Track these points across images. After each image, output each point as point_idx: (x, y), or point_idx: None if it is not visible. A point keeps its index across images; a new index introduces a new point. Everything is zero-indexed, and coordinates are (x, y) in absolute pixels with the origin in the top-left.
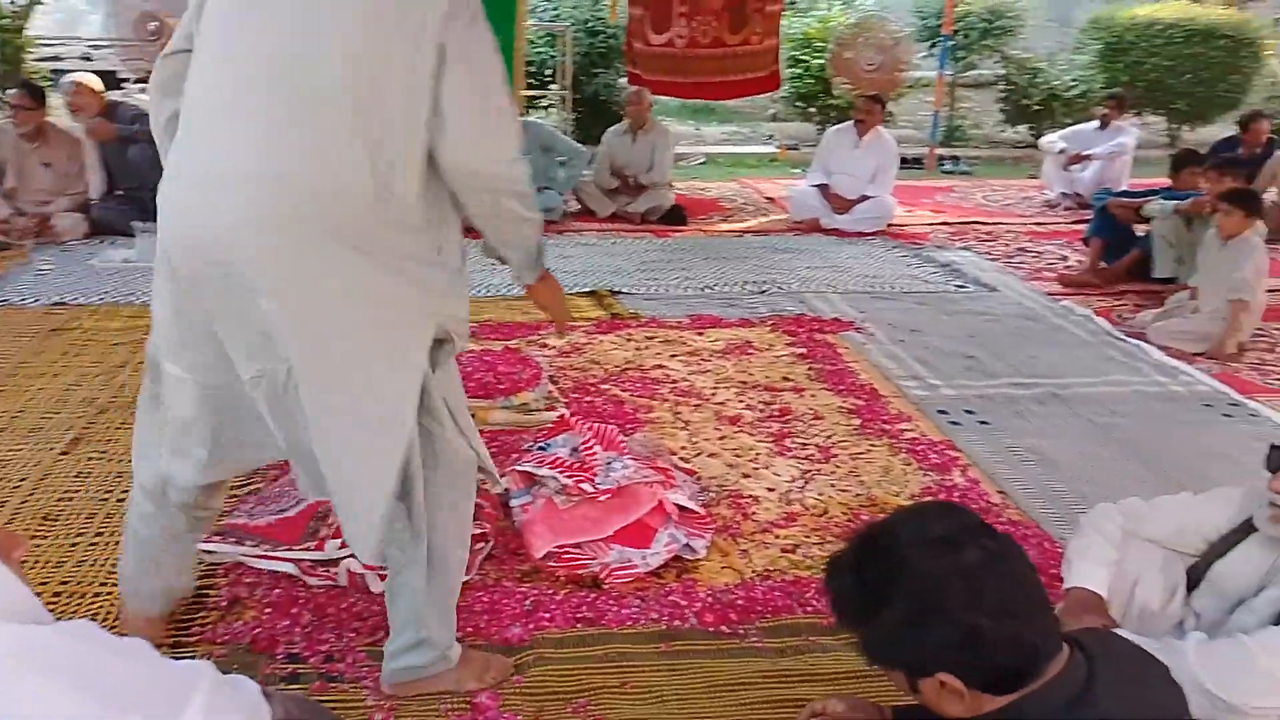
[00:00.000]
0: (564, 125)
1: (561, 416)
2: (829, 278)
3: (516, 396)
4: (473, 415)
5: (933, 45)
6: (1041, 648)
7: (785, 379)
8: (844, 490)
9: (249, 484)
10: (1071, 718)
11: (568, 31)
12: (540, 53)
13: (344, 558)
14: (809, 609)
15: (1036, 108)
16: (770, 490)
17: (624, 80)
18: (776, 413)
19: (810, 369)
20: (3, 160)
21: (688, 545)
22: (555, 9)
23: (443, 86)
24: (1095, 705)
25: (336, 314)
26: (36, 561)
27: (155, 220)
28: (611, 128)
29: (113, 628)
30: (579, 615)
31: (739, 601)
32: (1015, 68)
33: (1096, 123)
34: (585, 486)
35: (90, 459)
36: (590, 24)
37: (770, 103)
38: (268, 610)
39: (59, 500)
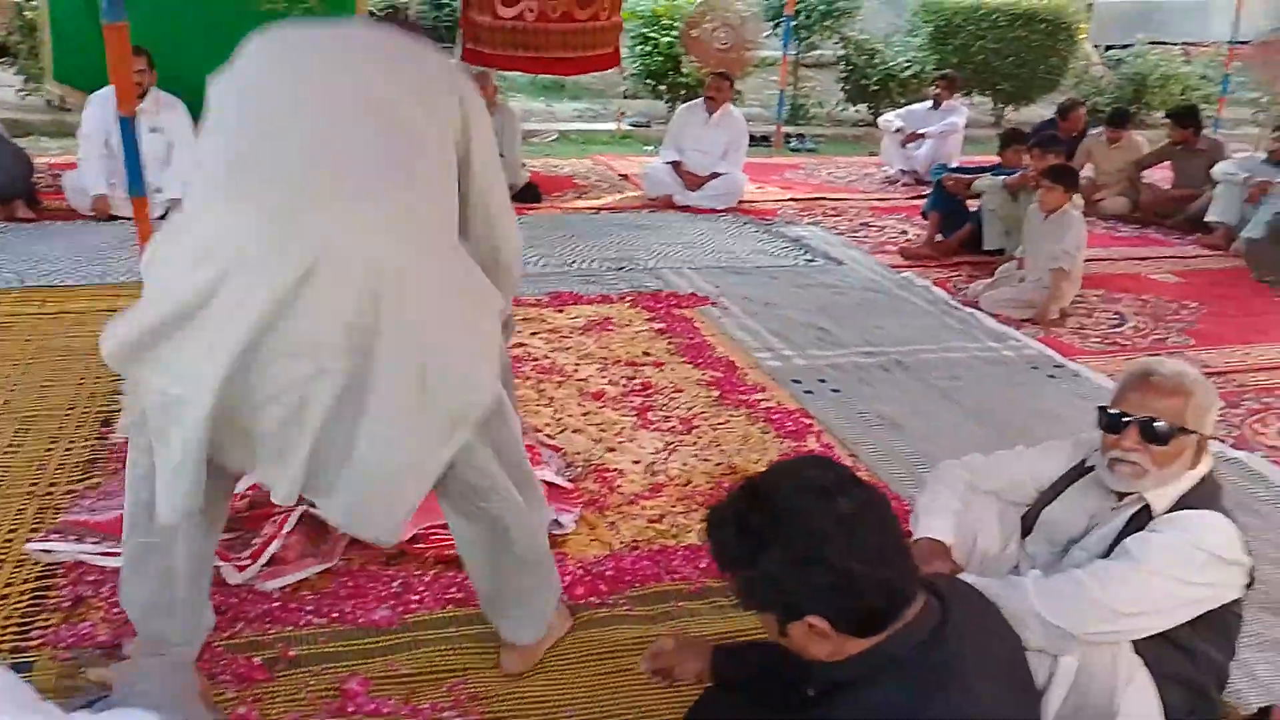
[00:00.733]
0: None
1: None
2: (684, 254)
3: None
4: None
5: (776, 25)
6: (903, 592)
7: (646, 354)
8: (706, 460)
9: (89, 478)
10: (926, 656)
11: (411, 4)
12: None
13: None
14: (676, 576)
15: (875, 88)
16: (635, 463)
17: None
18: (639, 387)
19: (670, 343)
20: None
21: (556, 520)
22: None
23: (472, 130)
24: (947, 644)
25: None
26: None
27: None
28: None
29: None
30: (449, 596)
31: (608, 572)
32: (854, 49)
33: (930, 103)
34: None
35: None
36: None
37: (621, 80)
38: (115, 609)
39: None
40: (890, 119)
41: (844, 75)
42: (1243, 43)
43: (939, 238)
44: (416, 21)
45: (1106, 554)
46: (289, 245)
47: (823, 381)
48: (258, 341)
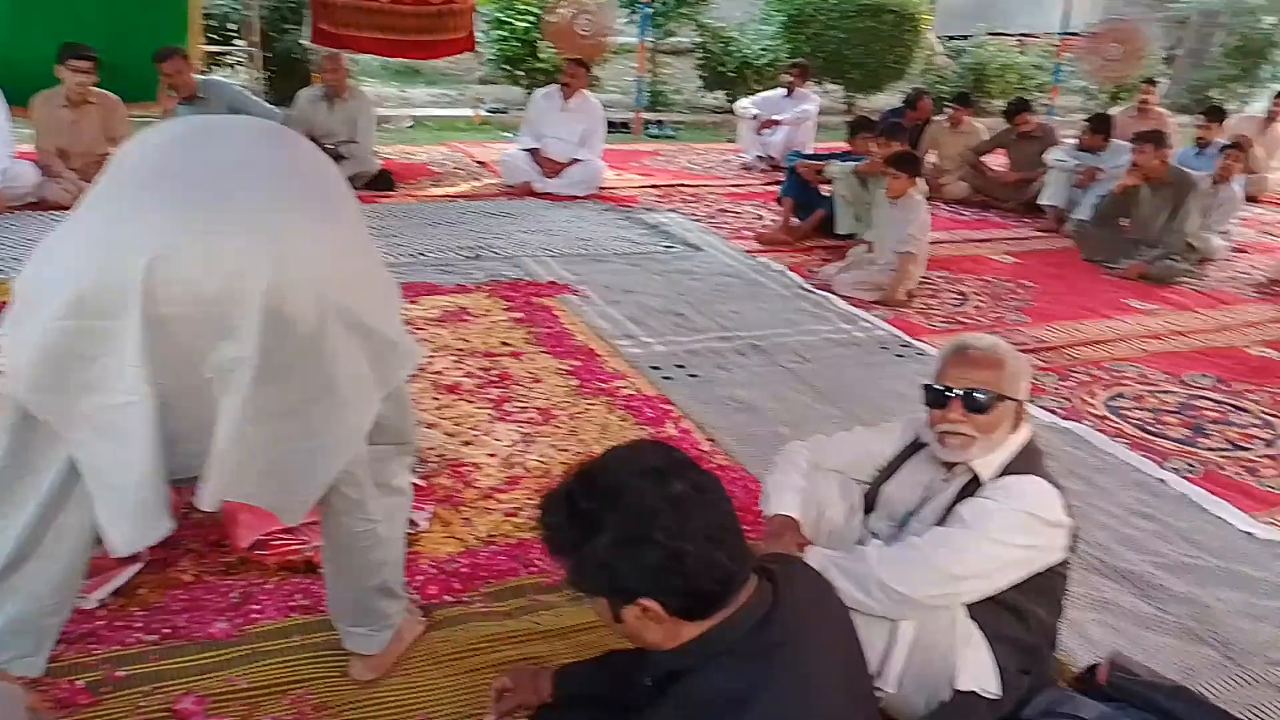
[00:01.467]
0: (254, 85)
1: None
2: (544, 241)
3: None
4: None
5: (633, 12)
6: (736, 575)
7: (504, 344)
8: (564, 450)
9: None
10: (758, 640)
11: None
12: (221, 5)
13: None
14: (534, 569)
15: (731, 75)
16: (491, 456)
17: None
18: (496, 378)
19: (528, 333)
20: None
21: (409, 520)
22: None
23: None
24: (779, 626)
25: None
26: None
27: None
28: (304, 92)
29: None
30: (293, 603)
31: (463, 570)
32: (710, 36)
33: (784, 90)
34: None
35: None
36: None
37: (477, 65)
38: None
39: None
40: (746, 106)
41: (701, 62)
42: (1073, 34)
43: (794, 222)
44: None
45: (940, 523)
46: (210, 252)
47: (681, 367)
48: (180, 339)
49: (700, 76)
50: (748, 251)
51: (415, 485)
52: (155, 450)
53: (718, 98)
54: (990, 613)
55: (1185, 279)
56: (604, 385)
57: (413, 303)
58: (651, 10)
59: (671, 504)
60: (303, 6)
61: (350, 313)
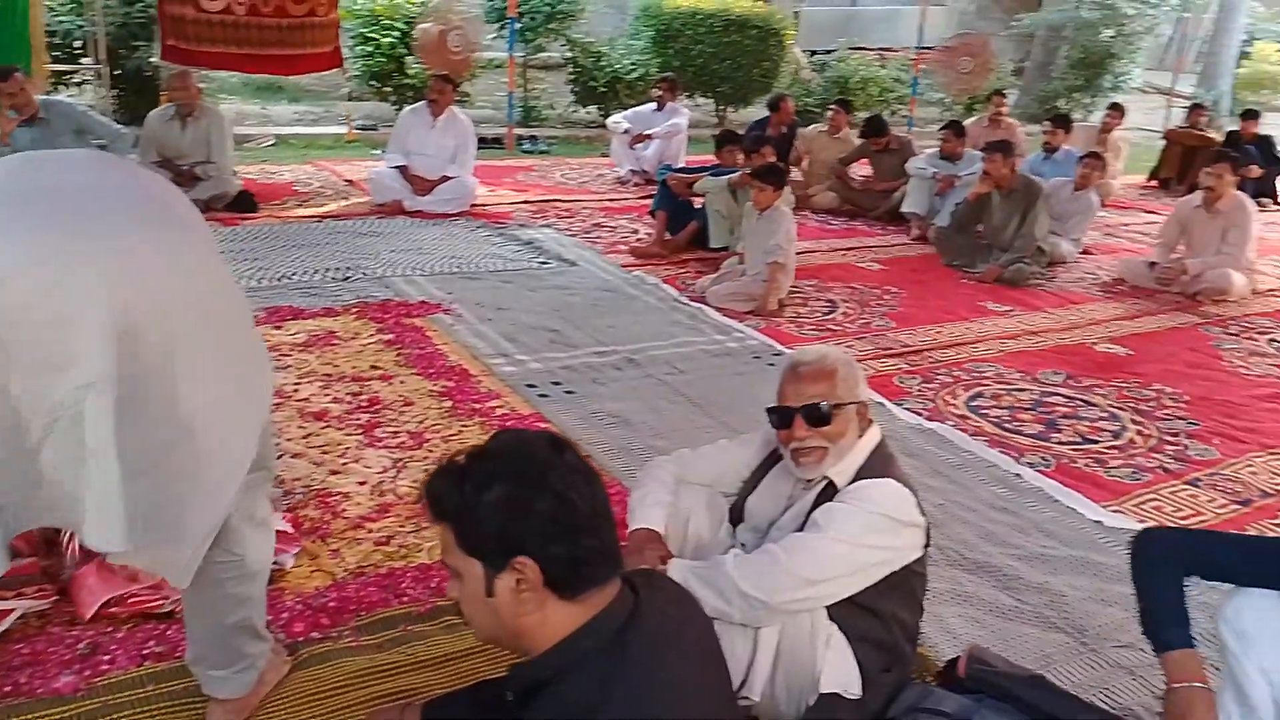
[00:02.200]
0: (102, 105)
1: None
2: (414, 260)
3: None
4: None
5: (502, 27)
6: (611, 560)
7: (373, 367)
8: None
9: None
10: (619, 646)
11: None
12: (65, 21)
13: None
14: (405, 598)
15: (603, 89)
16: (361, 484)
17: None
18: (365, 403)
19: (399, 354)
20: None
21: (275, 561)
22: None
23: None
24: (640, 632)
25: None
26: None
27: None
28: (154, 112)
29: None
30: (147, 651)
31: (331, 604)
32: (580, 51)
33: (654, 104)
34: None
35: None
36: None
37: (344, 81)
38: None
39: None
40: (618, 120)
41: (573, 77)
42: (928, 49)
43: (667, 236)
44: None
45: (800, 530)
46: (49, 275)
47: (557, 384)
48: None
49: (572, 92)
50: (623, 266)
51: (284, 521)
52: None
53: (590, 112)
54: (850, 614)
55: (1037, 281)
56: (478, 406)
57: (277, 328)
58: (520, 25)
59: (563, 464)
60: (152, 22)
61: (202, 335)
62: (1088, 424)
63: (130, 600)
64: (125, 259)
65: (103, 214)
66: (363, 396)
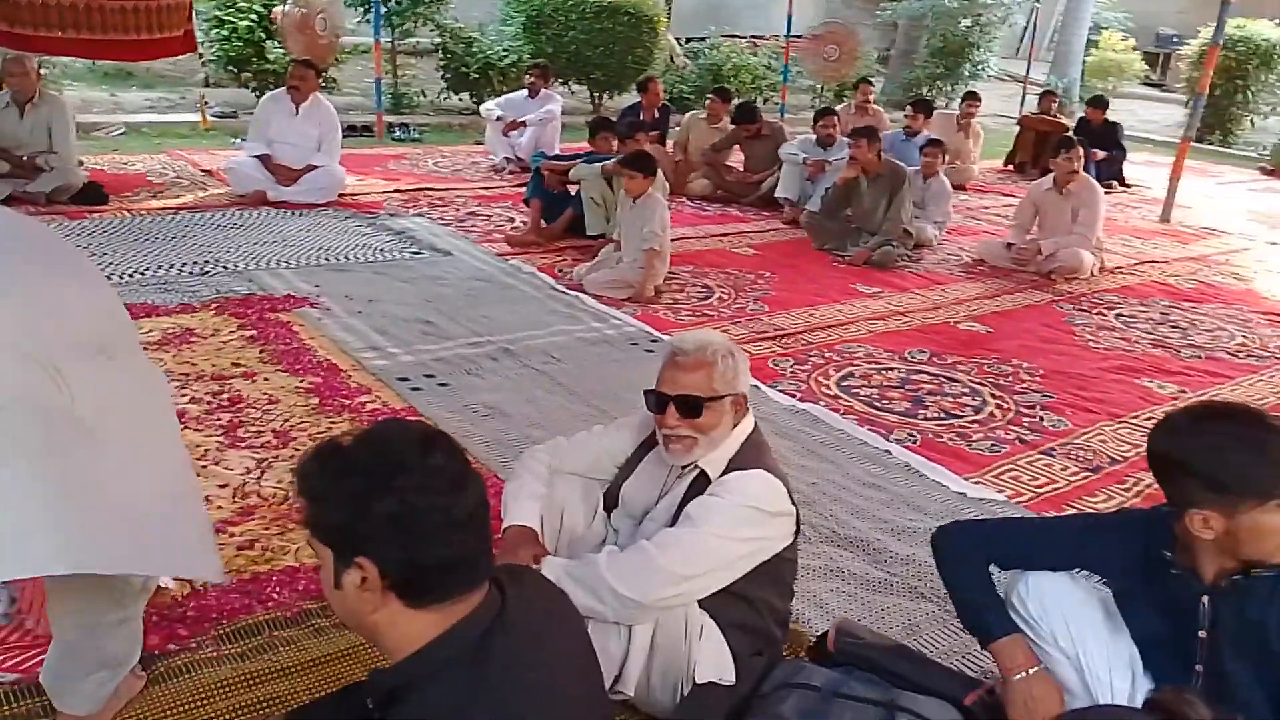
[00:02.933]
0: None
1: None
2: (280, 253)
3: None
4: None
5: (366, 11)
6: (463, 568)
7: (235, 365)
8: None
9: None
10: (483, 649)
11: None
12: None
13: None
14: (270, 604)
15: (475, 76)
16: (223, 487)
17: None
18: (226, 403)
19: (263, 351)
20: None
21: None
22: None
23: None
24: (505, 634)
25: None
26: None
27: None
28: None
29: None
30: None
31: (189, 614)
32: (450, 37)
33: (527, 91)
34: None
35: None
36: None
37: (199, 66)
38: None
39: None
40: (490, 107)
41: (443, 63)
42: (797, 37)
43: (543, 224)
44: None
45: (673, 522)
46: None
47: (430, 376)
48: None
49: (444, 78)
50: (498, 255)
51: None
52: None
53: (463, 99)
54: (723, 603)
55: (904, 263)
56: (347, 401)
57: None
58: (386, 9)
59: (422, 468)
60: None
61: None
62: (951, 400)
63: None
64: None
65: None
66: (224, 396)
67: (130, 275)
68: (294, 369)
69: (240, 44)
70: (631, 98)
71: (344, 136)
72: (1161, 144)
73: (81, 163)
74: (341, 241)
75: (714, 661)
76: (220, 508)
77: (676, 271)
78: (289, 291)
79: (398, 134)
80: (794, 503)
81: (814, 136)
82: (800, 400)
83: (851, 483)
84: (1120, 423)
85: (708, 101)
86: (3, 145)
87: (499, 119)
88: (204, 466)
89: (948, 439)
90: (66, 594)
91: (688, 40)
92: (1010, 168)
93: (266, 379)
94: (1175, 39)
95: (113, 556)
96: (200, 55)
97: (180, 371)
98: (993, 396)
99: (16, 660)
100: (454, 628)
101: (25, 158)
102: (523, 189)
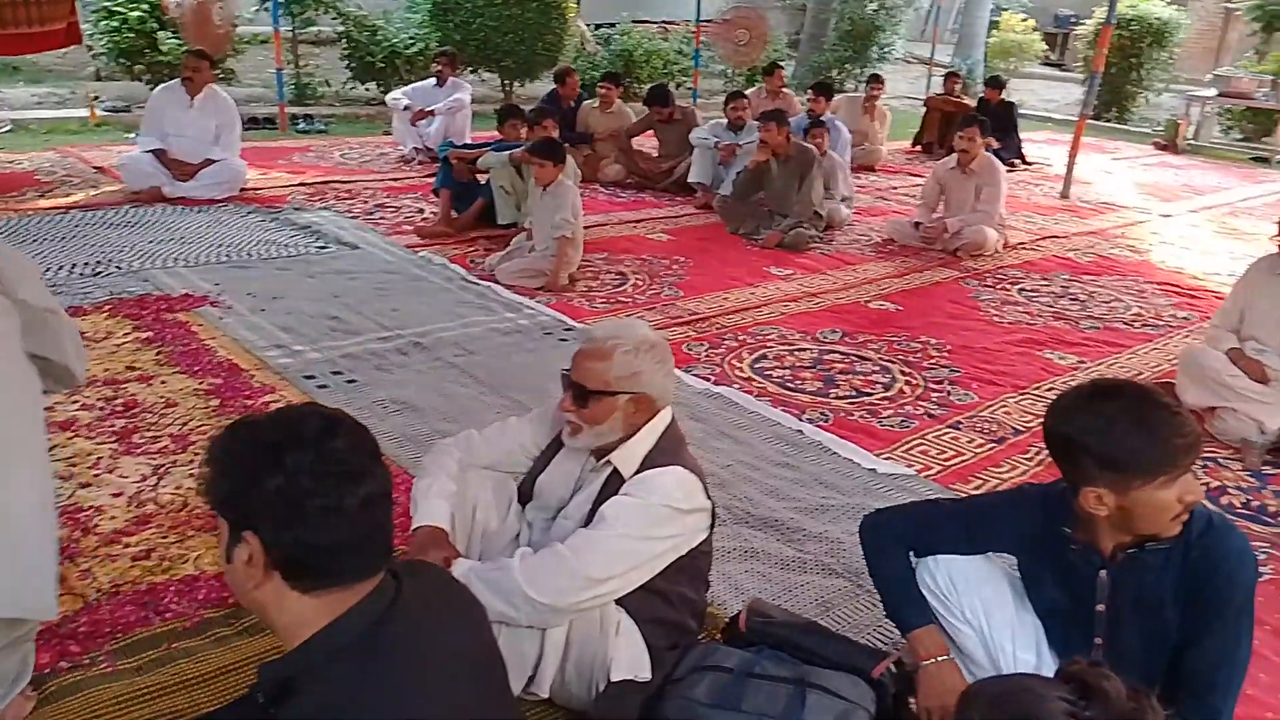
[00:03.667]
0: None
1: None
2: (177, 251)
3: None
4: None
5: (265, 0)
6: (353, 552)
7: (130, 368)
8: None
9: None
10: (371, 641)
11: None
12: None
13: None
14: (169, 614)
15: (381, 65)
16: (117, 495)
17: None
18: (120, 408)
19: (159, 353)
20: None
21: None
22: None
23: None
24: (404, 618)
25: None
26: None
27: None
28: None
29: None
30: None
31: (81, 629)
32: (354, 25)
33: (434, 80)
34: None
35: None
36: None
37: (89, 59)
38: None
39: None
40: (397, 97)
41: (347, 52)
42: (707, 21)
43: (453, 214)
44: None
45: (588, 520)
46: None
47: (338, 373)
48: None
49: (348, 68)
50: (408, 246)
51: None
52: None
53: (370, 89)
54: (638, 598)
55: (815, 245)
56: (250, 402)
57: None
58: None
59: (318, 450)
60: None
61: None
62: (862, 378)
63: None
64: None
65: None
66: (117, 401)
67: None
68: (193, 370)
69: (131, 35)
70: (544, 85)
71: (245, 129)
72: (1061, 122)
73: None
74: (243, 237)
75: (630, 658)
76: (113, 518)
77: (590, 259)
78: (187, 290)
79: (302, 126)
80: (709, 497)
81: (725, 120)
82: (714, 384)
83: (765, 463)
84: (1023, 394)
85: (599, 89)
86: None
87: (406, 109)
88: (96, 475)
89: (859, 416)
90: None
91: (598, 26)
92: (918, 148)
93: (164, 381)
94: (1072, 19)
95: None
96: (89, 48)
97: None
98: (902, 373)
99: None
100: (343, 616)
101: None
102: (432, 179)
